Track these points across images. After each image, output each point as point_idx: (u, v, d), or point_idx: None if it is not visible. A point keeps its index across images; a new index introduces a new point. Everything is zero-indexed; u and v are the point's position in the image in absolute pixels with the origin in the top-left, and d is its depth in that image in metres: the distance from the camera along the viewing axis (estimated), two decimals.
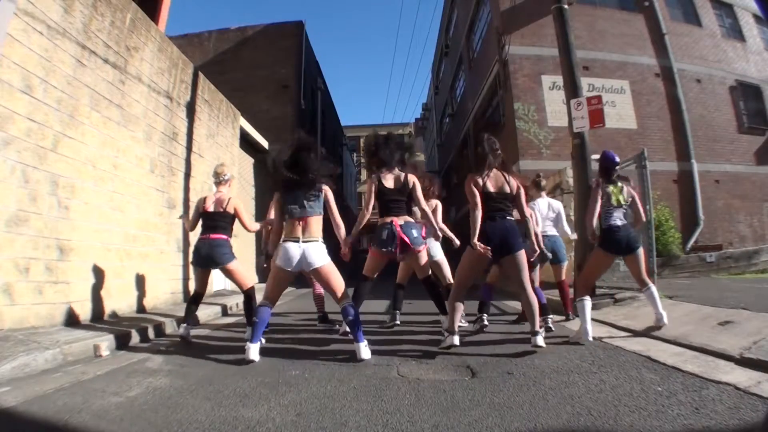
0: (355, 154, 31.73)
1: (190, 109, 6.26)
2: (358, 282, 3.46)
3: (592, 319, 4.07)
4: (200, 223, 3.72)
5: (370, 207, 3.38)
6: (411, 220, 3.37)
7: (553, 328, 3.63)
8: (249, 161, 9.56)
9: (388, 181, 3.36)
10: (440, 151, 21.53)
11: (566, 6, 5.30)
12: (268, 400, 2.06)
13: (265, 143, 9.96)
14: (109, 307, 4.22)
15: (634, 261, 3.35)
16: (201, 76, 6.68)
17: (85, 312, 3.89)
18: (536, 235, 3.25)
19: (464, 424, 1.71)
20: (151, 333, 3.78)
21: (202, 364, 2.79)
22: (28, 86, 3.38)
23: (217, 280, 6.84)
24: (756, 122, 11.08)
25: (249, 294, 3.66)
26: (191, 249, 6.12)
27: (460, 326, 3.60)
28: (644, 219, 3.54)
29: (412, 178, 3.41)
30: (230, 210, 3.62)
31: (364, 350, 2.79)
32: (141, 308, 4.76)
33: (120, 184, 4.54)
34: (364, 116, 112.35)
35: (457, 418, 1.77)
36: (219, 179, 3.75)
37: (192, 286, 6.00)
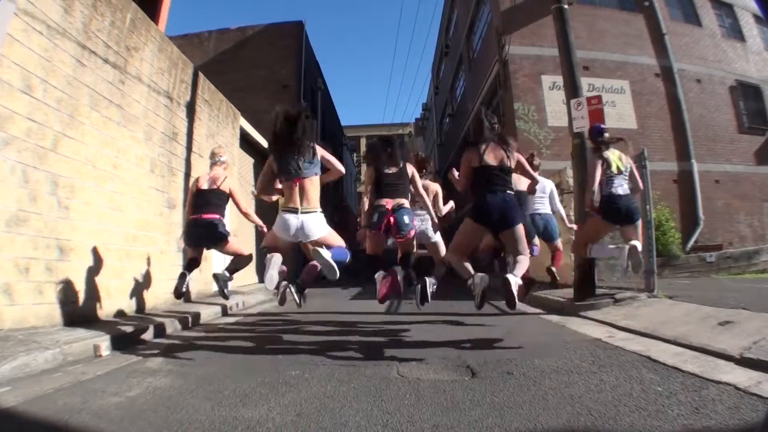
0: (355, 154, 31.73)
1: (190, 109, 6.26)
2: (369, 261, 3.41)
3: (592, 319, 4.09)
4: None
5: (370, 194, 3.38)
6: (405, 203, 3.32)
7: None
8: (249, 161, 9.57)
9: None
10: (440, 151, 21.52)
11: (566, 6, 5.30)
12: (268, 400, 2.06)
13: (265, 143, 9.96)
14: (109, 307, 4.22)
15: (632, 229, 3.31)
16: (201, 76, 6.68)
17: (85, 312, 3.89)
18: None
19: (464, 424, 1.71)
20: (151, 333, 3.78)
21: (202, 364, 2.79)
22: (28, 86, 3.38)
23: None
24: (756, 122, 11.09)
25: (249, 259, 3.60)
26: None
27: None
28: (641, 187, 3.54)
29: (411, 169, 3.43)
30: (224, 188, 3.53)
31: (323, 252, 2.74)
32: (141, 308, 4.75)
33: (120, 184, 4.53)
34: (364, 116, 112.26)
35: (457, 418, 1.77)
36: (215, 159, 3.69)
37: (192, 287, 6.00)
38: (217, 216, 3.50)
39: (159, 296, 5.18)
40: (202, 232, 3.41)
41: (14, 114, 3.25)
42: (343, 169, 3.06)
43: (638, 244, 3.30)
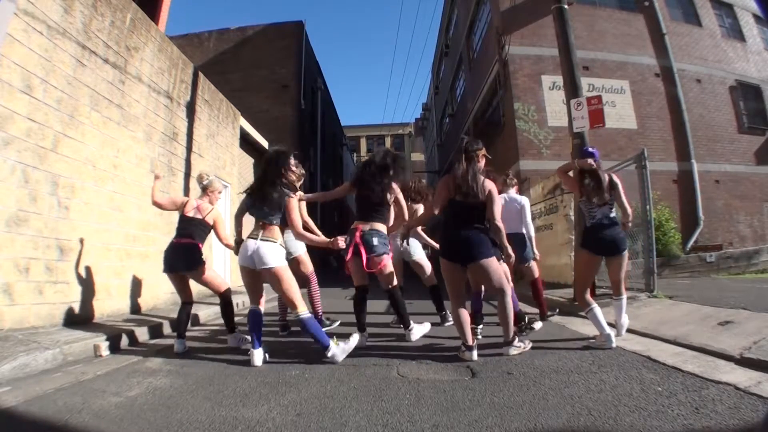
0: (355, 154, 31.73)
1: (190, 109, 6.26)
2: (354, 297, 3.39)
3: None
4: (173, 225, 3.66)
5: (331, 197, 3.46)
6: (378, 227, 3.23)
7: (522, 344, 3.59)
8: (249, 161, 9.57)
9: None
10: (440, 151, 21.51)
11: (566, 6, 5.30)
12: (268, 400, 2.06)
13: (265, 143, 9.97)
14: (109, 307, 4.22)
15: (616, 264, 3.13)
16: (201, 76, 6.68)
17: (85, 312, 3.89)
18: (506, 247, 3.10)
19: (464, 424, 1.71)
20: (151, 333, 3.78)
21: (202, 364, 2.79)
22: (28, 86, 3.38)
23: None
24: (756, 122, 11.07)
25: (226, 299, 3.56)
26: None
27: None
28: (629, 211, 3.22)
29: (395, 192, 3.34)
30: (208, 220, 3.53)
31: (333, 357, 2.68)
32: (141, 308, 4.76)
33: (120, 184, 4.54)
34: (364, 116, 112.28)
35: (457, 418, 1.77)
36: (203, 184, 3.67)
37: (193, 287, 6.00)
38: (195, 242, 3.49)
39: (159, 296, 5.19)
40: (177, 256, 3.42)
41: (14, 114, 3.25)
42: (303, 233, 2.92)
43: (624, 300, 3.19)
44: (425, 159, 29.42)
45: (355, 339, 2.83)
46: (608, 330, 2.98)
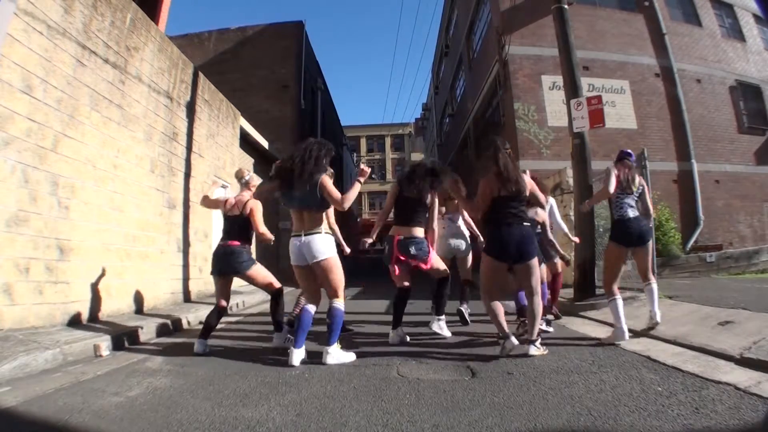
0: (355, 154, 31.72)
1: (190, 109, 6.26)
2: (396, 297, 3.47)
3: (592, 319, 4.09)
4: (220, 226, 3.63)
5: (388, 212, 3.56)
6: (415, 234, 3.33)
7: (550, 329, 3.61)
8: (249, 161, 9.57)
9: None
10: (440, 151, 21.52)
11: (566, 6, 5.30)
12: (268, 400, 2.06)
13: (265, 143, 9.97)
14: (109, 307, 4.22)
15: (643, 253, 3.30)
16: (201, 76, 6.68)
17: (85, 312, 3.89)
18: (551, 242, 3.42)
19: (464, 424, 1.71)
20: (151, 333, 3.78)
21: (202, 364, 2.79)
22: (28, 86, 3.38)
23: None
24: (756, 122, 11.07)
25: (276, 296, 3.52)
26: (191, 249, 6.12)
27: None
28: (652, 213, 3.46)
29: (433, 196, 3.45)
30: (247, 211, 3.47)
31: (328, 356, 2.71)
32: (141, 308, 4.75)
33: (120, 184, 4.53)
34: (364, 116, 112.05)
35: (457, 418, 1.77)
36: (246, 179, 3.62)
37: (193, 287, 6.01)
38: (239, 243, 3.44)
39: (159, 296, 5.18)
40: (224, 259, 3.39)
41: (14, 114, 3.25)
42: (338, 199, 2.81)
43: (655, 285, 3.29)
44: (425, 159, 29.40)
45: (351, 357, 2.81)
46: (624, 325, 3.06)
